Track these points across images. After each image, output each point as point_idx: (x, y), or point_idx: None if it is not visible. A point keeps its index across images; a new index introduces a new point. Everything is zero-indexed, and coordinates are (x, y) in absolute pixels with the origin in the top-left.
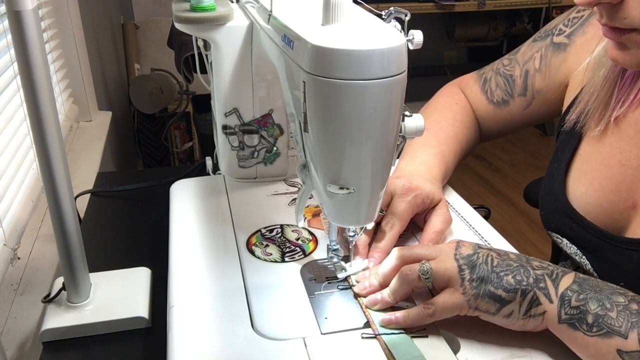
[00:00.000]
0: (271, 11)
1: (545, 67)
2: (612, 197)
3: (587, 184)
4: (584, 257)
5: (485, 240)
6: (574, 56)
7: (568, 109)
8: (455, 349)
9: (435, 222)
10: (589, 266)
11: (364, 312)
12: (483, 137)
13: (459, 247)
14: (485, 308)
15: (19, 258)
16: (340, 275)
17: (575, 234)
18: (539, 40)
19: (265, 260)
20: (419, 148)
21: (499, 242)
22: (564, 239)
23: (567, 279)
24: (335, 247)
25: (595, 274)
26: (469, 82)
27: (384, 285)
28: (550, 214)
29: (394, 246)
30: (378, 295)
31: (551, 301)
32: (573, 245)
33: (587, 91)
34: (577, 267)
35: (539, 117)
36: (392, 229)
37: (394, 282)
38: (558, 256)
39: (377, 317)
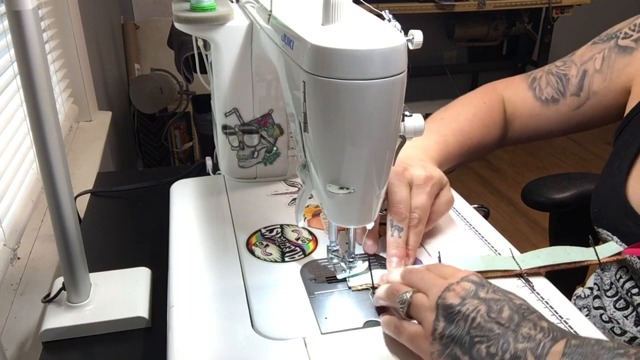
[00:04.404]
0: (271, 11)
1: (608, 69)
2: None
3: None
4: (633, 255)
5: (486, 240)
6: (639, 61)
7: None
8: None
9: (439, 205)
10: (638, 264)
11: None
12: (523, 136)
13: (448, 290)
14: None
15: (19, 258)
16: (340, 276)
17: (629, 231)
18: (599, 42)
19: (265, 260)
20: (424, 134)
21: (499, 242)
22: (614, 236)
23: (555, 354)
24: (335, 248)
25: None
26: (514, 81)
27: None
28: (605, 211)
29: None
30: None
31: None
32: (624, 244)
33: None
34: (622, 266)
35: (587, 121)
36: (419, 225)
37: (381, 290)
38: None
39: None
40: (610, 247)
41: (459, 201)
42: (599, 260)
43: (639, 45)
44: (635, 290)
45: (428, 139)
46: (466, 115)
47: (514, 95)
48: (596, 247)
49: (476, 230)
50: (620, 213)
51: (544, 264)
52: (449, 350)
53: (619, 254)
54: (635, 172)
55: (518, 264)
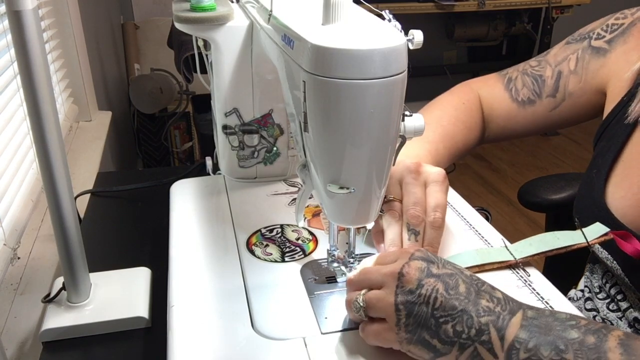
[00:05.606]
0: (271, 11)
1: (582, 70)
2: None
3: (627, 188)
4: (614, 262)
5: (486, 240)
6: (613, 63)
7: (616, 111)
8: None
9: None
10: (620, 271)
11: None
12: (499, 136)
13: (402, 276)
14: (418, 354)
15: (19, 258)
16: (340, 280)
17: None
18: (573, 42)
19: (265, 260)
20: (415, 142)
21: (499, 242)
22: (596, 244)
23: (514, 326)
24: (335, 252)
25: (627, 280)
26: (489, 81)
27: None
28: (586, 218)
29: None
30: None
31: (496, 357)
32: (604, 250)
33: None
34: (607, 271)
35: (563, 121)
36: (442, 225)
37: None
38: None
39: None
40: (597, 227)
41: (459, 201)
42: (587, 242)
43: (611, 47)
44: (620, 297)
45: (421, 148)
46: (449, 118)
47: (490, 96)
48: (583, 229)
49: (476, 231)
50: (600, 220)
51: (537, 251)
52: (417, 336)
53: (606, 234)
54: (613, 178)
55: (512, 254)
